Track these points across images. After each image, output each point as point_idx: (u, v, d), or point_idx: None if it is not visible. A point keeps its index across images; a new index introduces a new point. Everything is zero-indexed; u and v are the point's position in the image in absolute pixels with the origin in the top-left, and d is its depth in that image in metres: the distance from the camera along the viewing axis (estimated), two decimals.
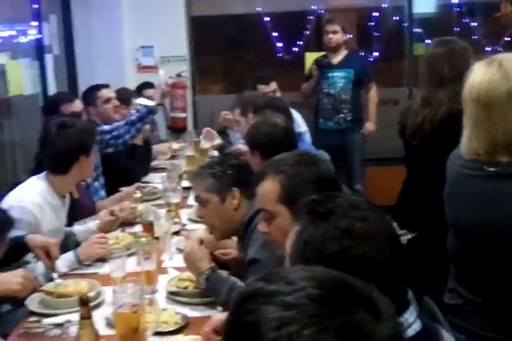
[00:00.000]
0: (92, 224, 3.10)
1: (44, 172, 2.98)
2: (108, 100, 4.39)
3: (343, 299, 0.89)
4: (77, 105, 3.99)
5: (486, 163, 2.00)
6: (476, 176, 2.04)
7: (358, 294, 0.91)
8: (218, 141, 4.50)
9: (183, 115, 6.32)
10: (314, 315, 0.85)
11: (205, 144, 4.42)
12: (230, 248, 2.71)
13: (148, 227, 3.03)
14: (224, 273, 2.42)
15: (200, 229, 2.83)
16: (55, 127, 2.93)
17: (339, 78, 5.61)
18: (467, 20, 6.36)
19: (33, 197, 2.82)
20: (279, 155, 2.07)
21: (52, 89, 5.19)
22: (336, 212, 1.34)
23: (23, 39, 4.72)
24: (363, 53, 6.27)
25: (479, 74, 2.02)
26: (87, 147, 2.99)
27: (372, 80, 5.75)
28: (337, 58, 5.69)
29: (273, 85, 5.37)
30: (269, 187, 1.95)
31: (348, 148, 5.64)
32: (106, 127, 4.08)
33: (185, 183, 4.05)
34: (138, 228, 3.26)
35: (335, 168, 3.30)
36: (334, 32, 5.61)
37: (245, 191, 2.43)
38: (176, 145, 5.42)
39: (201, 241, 2.50)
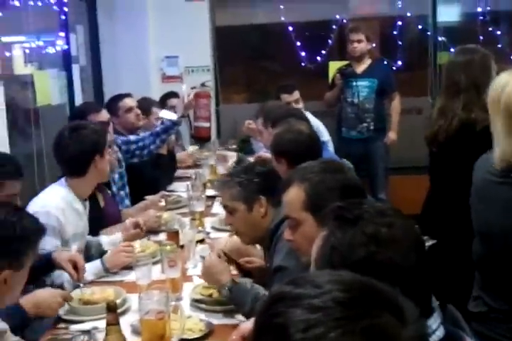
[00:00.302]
0: (118, 234, 3.14)
1: (63, 178, 3.02)
2: (130, 109, 4.45)
3: (369, 302, 0.90)
4: (104, 115, 4.03)
5: None
6: (502, 183, 2.04)
7: (384, 298, 0.92)
8: (232, 160, 4.55)
9: (206, 124, 6.38)
10: (340, 317, 0.87)
11: (221, 169, 4.47)
12: (255, 256, 2.73)
13: (173, 235, 3.06)
14: (248, 281, 2.44)
15: (221, 240, 2.86)
16: (67, 131, 2.99)
17: (363, 87, 5.62)
18: (492, 29, 6.32)
19: (56, 202, 2.86)
20: (305, 163, 2.09)
21: (78, 99, 5.26)
22: (363, 218, 1.35)
23: (50, 50, 4.79)
24: (386, 62, 6.27)
25: (509, 85, 2.01)
26: (101, 147, 3.03)
27: (396, 90, 5.75)
28: (361, 67, 5.70)
29: (296, 94, 5.39)
30: (294, 195, 1.97)
31: (371, 157, 5.64)
32: (132, 137, 4.14)
33: (210, 192, 4.09)
34: (163, 236, 3.29)
35: (358, 177, 3.31)
36: (359, 41, 5.63)
37: (272, 199, 2.44)
38: (191, 148, 5.59)
39: (221, 255, 2.54)
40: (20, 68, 4.44)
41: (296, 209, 1.94)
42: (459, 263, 2.57)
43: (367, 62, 5.73)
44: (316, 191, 1.93)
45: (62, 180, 3.01)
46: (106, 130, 3.27)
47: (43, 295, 2.32)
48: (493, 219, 2.10)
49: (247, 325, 1.90)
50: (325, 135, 4.88)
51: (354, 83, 5.61)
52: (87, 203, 3.09)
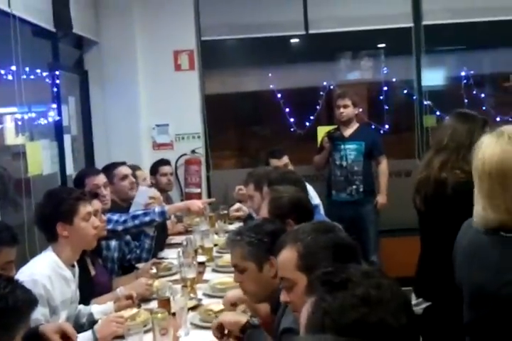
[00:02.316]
0: (109, 304, 3.10)
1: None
2: (125, 177, 4.50)
3: None
4: (101, 178, 4.12)
5: (503, 230, 2.01)
6: (494, 242, 2.05)
7: None
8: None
9: (197, 190, 6.44)
10: None
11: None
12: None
13: (165, 303, 3.03)
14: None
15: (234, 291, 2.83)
16: (43, 196, 3.05)
17: (351, 150, 5.70)
18: (476, 92, 6.47)
19: (41, 269, 2.84)
20: (299, 225, 2.11)
21: (69, 169, 5.30)
22: (352, 281, 1.36)
23: (42, 121, 4.86)
24: (373, 126, 6.38)
25: (490, 147, 2.05)
26: (63, 215, 2.93)
27: (383, 153, 5.84)
28: (348, 131, 5.80)
29: (285, 159, 5.46)
30: (287, 256, 1.98)
31: (362, 220, 5.66)
32: (114, 217, 3.97)
33: (201, 258, 4.07)
34: (154, 304, 3.26)
35: None
36: (345, 106, 5.76)
37: None
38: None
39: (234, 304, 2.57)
40: (12, 139, 4.49)
41: (290, 269, 1.95)
42: (453, 326, 2.53)
43: (354, 126, 5.85)
44: (308, 251, 1.95)
45: (50, 246, 3.01)
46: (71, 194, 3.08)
47: None
48: (486, 280, 2.08)
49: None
50: (315, 199, 4.90)
51: (342, 146, 5.69)
52: (76, 270, 3.06)
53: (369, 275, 1.39)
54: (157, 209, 4.01)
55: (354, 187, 5.67)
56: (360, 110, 6.16)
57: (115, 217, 3.90)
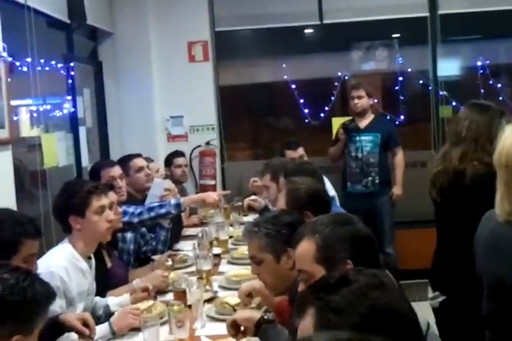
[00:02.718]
0: (125, 296, 3.11)
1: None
2: (140, 169, 4.50)
3: None
4: (116, 170, 4.13)
5: None
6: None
7: None
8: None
9: (212, 182, 6.43)
10: None
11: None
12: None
13: (181, 295, 3.03)
14: None
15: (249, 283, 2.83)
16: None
17: (366, 142, 5.67)
18: (492, 82, 6.41)
19: (58, 262, 2.84)
20: (316, 217, 2.09)
21: (85, 161, 5.31)
22: (348, 276, 1.36)
23: (57, 112, 4.87)
24: (389, 117, 6.34)
25: (508, 139, 2.03)
26: (76, 208, 2.95)
27: (399, 144, 5.79)
28: (364, 122, 5.76)
29: (300, 151, 5.44)
30: (305, 248, 1.97)
31: (377, 211, 5.64)
32: (130, 209, 3.93)
33: (216, 250, 4.07)
34: (170, 296, 3.26)
35: None
36: (359, 97, 5.72)
37: None
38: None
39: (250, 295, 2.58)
40: (27, 131, 4.50)
41: (308, 262, 1.93)
42: (470, 320, 2.52)
43: (369, 118, 5.80)
44: (327, 243, 1.93)
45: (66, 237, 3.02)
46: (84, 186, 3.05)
47: None
48: (504, 271, 2.07)
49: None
50: (331, 191, 4.88)
51: (357, 138, 5.66)
52: (93, 262, 3.07)
53: (360, 270, 1.40)
54: (173, 201, 4.01)
55: (370, 178, 5.64)
56: (376, 101, 6.12)
57: (131, 209, 3.90)
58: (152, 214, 3.92)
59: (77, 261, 2.93)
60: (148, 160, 5.17)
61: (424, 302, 3.27)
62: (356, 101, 5.72)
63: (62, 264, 2.84)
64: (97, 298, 3.12)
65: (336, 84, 6.50)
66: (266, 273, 2.51)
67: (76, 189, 2.99)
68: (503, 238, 2.08)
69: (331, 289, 1.33)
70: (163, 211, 3.94)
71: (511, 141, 2.03)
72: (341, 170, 5.91)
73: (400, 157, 5.77)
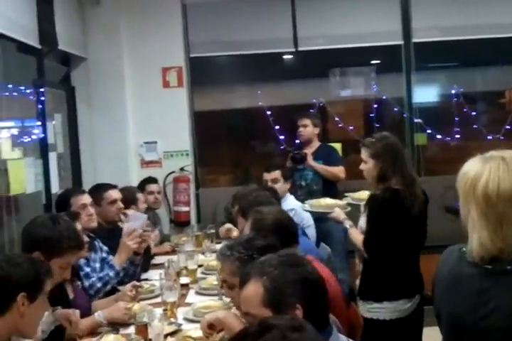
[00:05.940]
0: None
1: None
2: (114, 202, 4.41)
3: None
4: (87, 197, 4.03)
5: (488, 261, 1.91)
6: (477, 273, 1.96)
7: None
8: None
9: (186, 208, 6.36)
10: None
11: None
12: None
13: (142, 329, 2.93)
14: None
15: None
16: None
17: (308, 170, 5.69)
18: (466, 109, 6.43)
19: None
20: (265, 256, 2.02)
21: (55, 187, 5.22)
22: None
23: (26, 138, 4.80)
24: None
25: (485, 172, 1.93)
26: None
27: (339, 165, 5.72)
28: (309, 151, 5.77)
29: (275, 174, 5.28)
30: (252, 291, 1.89)
31: (328, 237, 5.39)
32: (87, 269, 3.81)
33: (184, 280, 3.99)
34: (133, 329, 3.16)
35: None
36: (304, 126, 5.80)
37: None
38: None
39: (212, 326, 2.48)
40: None
41: (256, 305, 1.86)
42: None
43: (314, 147, 5.83)
44: (275, 286, 1.86)
45: None
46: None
47: None
48: (464, 311, 2.01)
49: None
50: (309, 220, 4.82)
51: (301, 166, 5.67)
52: None
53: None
54: (111, 273, 3.84)
55: None
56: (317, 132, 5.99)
57: (87, 268, 3.81)
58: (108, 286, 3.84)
59: None
60: (135, 190, 5.15)
61: None
62: (301, 129, 5.80)
63: None
64: None
65: (312, 110, 6.49)
66: (238, 298, 2.44)
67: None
68: (464, 277, 2.01)
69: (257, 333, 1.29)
70: (109, 287, 3.83)
71: (488, 173, 1.93)
72: None
73: (336, 169, 5.72)
